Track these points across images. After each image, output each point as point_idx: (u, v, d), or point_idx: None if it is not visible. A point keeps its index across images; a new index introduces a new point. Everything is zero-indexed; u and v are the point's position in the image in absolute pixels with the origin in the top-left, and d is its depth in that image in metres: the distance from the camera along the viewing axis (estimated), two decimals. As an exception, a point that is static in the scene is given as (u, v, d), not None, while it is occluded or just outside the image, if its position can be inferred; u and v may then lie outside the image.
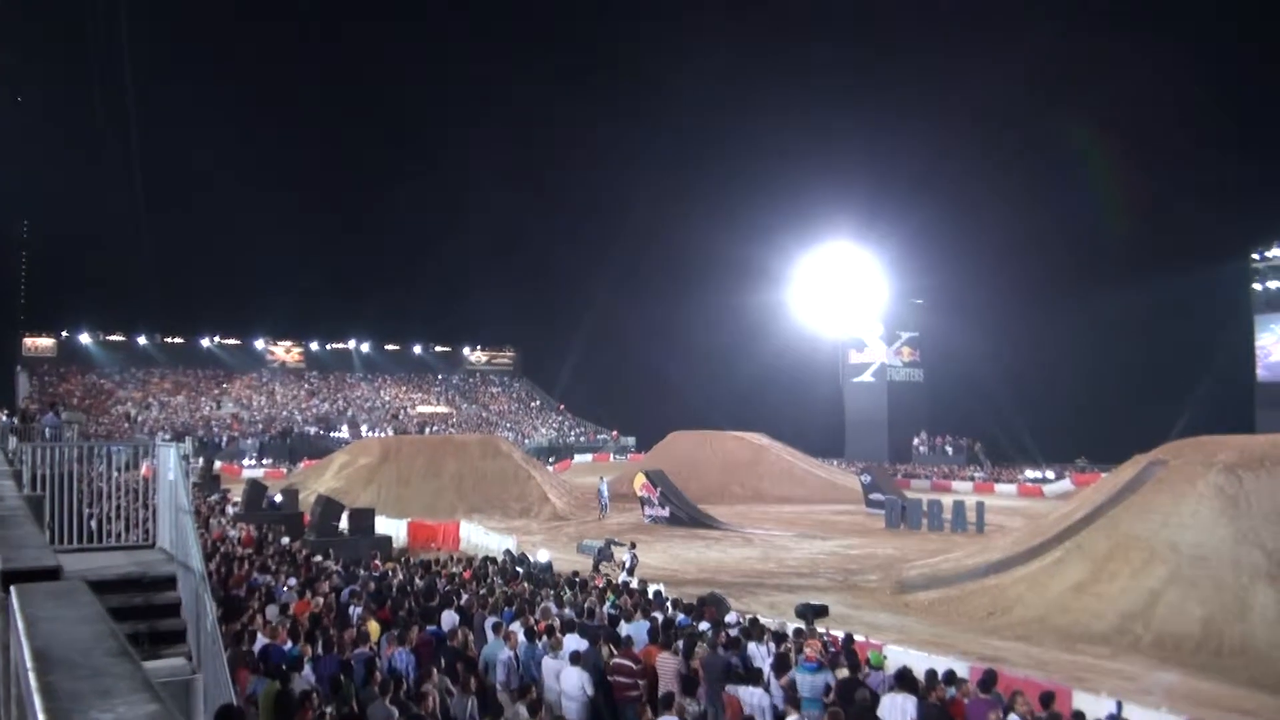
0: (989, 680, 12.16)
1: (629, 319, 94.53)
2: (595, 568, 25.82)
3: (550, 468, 63.22)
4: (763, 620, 16.69)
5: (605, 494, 44.00)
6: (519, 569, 22.73)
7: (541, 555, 26.81)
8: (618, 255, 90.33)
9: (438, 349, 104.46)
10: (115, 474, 12.19)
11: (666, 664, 12.65)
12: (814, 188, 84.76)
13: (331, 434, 77.62)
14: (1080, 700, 13.71)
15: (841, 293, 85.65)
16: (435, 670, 11.49)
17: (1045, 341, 74.58)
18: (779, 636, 15.13)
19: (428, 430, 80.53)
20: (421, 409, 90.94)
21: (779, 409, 79.34)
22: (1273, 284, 69.36)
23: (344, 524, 31.87)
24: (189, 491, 10.43)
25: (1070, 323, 74.35)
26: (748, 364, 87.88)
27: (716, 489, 52.87)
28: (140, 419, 74.82)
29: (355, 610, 15.67)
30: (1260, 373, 69.58)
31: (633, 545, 26.57)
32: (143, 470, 12.27)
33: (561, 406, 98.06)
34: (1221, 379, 67.00)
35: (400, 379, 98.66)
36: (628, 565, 24.65)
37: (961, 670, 13.86)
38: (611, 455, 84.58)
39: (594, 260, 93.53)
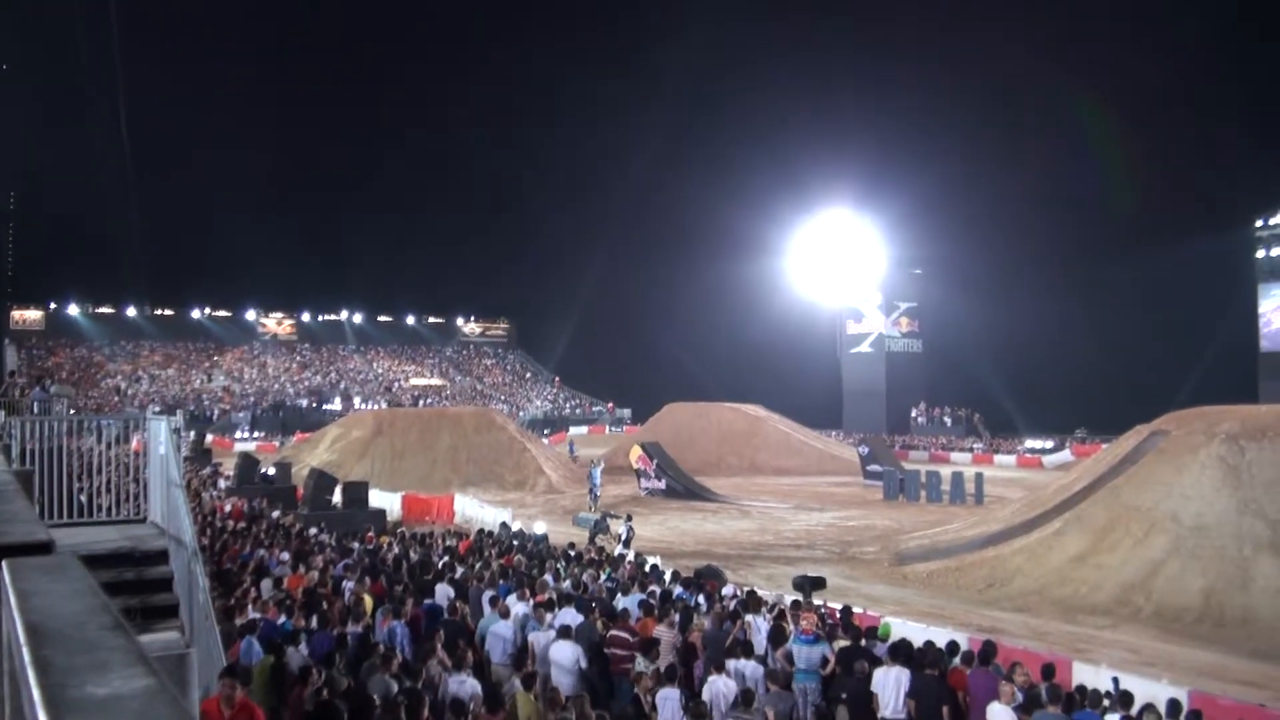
0: (989, 651, 12.22)
1: (625, 290, 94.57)
2: (591, 540, 25.87)
3: (545, 440, 63.26)
4: (760, 592, 16.75)
5: (598, 480, 38.47)
6: (514, 542, 22.79)
7: (537, 528, 26.89)
8: (613, 225, 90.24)
9: (431, 320, 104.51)
10: (105, 448, 12.19)
11: (663, 637, 12.70)
12: (812, 155, 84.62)
13: (324, 407, 77.72)
14: (1080, 671, 13.79)
15: (839, 262, 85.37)
16: (438, 646, 11.53)
17: (1045, 311, 74.56)
18: (774, 608, 15.18)
19: (421, 403, 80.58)
20: (415, 381, 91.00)
21: (776, 380, 79.30)
22: (1276, 251, 69.11)
23: (337, 497, 31.93)
24: (180, 465, 10.44)
25: (1071, 292, 74.40)
26: (744, 334, 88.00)
27: (713, 461, 53.00)
28: (130, 392, 74.85)
29: (349, 584, 15.72)
30: (1263, 342, 69.58)
31: (629, 518, 26.62)
32: (133, 444, 12.27)
33: (556, 379, 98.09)
34: (1224, 349, 67.00)
35: (393, 351, 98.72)
36: (624, 538, 24.69)
37: (961, 641, 13.92)
38: (607, 428, 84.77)
39: (589, 231, 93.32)
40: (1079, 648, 17.23)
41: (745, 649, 12.19)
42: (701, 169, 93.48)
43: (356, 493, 31.92)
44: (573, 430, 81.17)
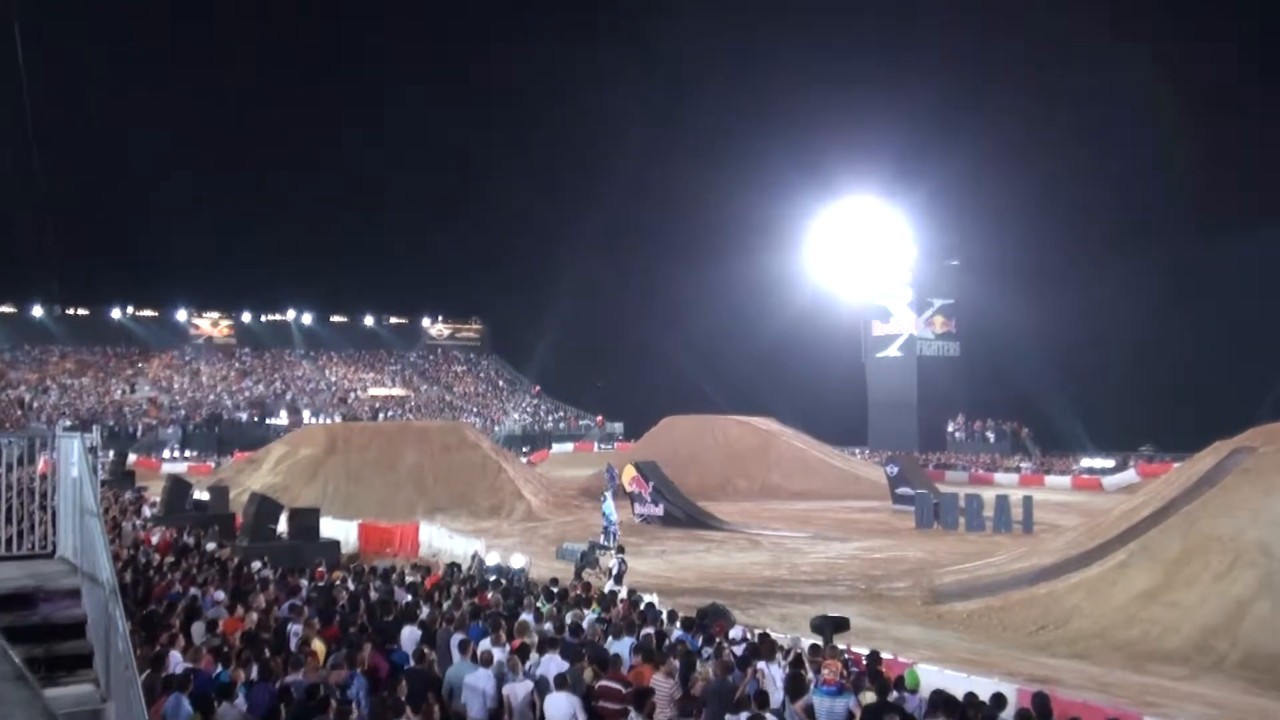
0: (1042, 705, 12.09)
1: (616, 286, 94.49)
2: (577, 575, 25.79)
3: (524, 459, 63.19)
4: (773, 635, 16.65)
5: (613, 516, 35.24)
6: (489, 577, 22.70)
7: (515, 561, 26.79)
8: (605, 211, 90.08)
9: (392, 320, 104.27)
10: (6, 470, 12.06)
11: (660, 688, 12.56)
12: (833, 134, 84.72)
13: (268, 421, 77.59)
14: (1153, 730, 13.66)
15: (864, 254, 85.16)
16: (399, 700, 11.42)
17: (1105, 308, 74.26)
18: (789, 655, 15.08)
19: (381, 416, 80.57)
20: (374, 391, 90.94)
21: (791, 389, 79.52)
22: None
23: (283, 526, 31.88)
24: (96, 490, 10.30)
25: (1135, 285, 73.90)
26: (755, 338, 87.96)
27: (718, 483, 53.11)
28: (36, 405, 74.62)
29: (296, 628, 15.58)
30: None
31: (621, 549, 26.56)
32: (39, 466, 12.13)
33: (537, 388, 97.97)
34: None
35: (349, 356, 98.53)
36: (615, 572, 24.62)
37: (1008, 694, 13.81)
38: (596, 444, 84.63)
39: (576, 218, 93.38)
40: (1150, 701, 17.11)
41: (759, 700, 12.06)
42: (705, 150, 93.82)
43: (305, 521, 31.85)
44: (556, 447, 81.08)
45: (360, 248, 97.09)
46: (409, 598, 18.76)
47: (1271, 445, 24.35)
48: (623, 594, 21.23)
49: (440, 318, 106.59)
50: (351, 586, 20.44)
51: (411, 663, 13.69)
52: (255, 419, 78.67)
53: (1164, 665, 19.91)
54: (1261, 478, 23.26)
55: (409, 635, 15.19)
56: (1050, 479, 61.75)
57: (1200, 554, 22.36)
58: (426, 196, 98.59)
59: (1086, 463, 66.39)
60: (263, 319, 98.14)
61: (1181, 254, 69.42)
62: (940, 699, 11.98)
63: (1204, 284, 70.75)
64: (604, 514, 35.31)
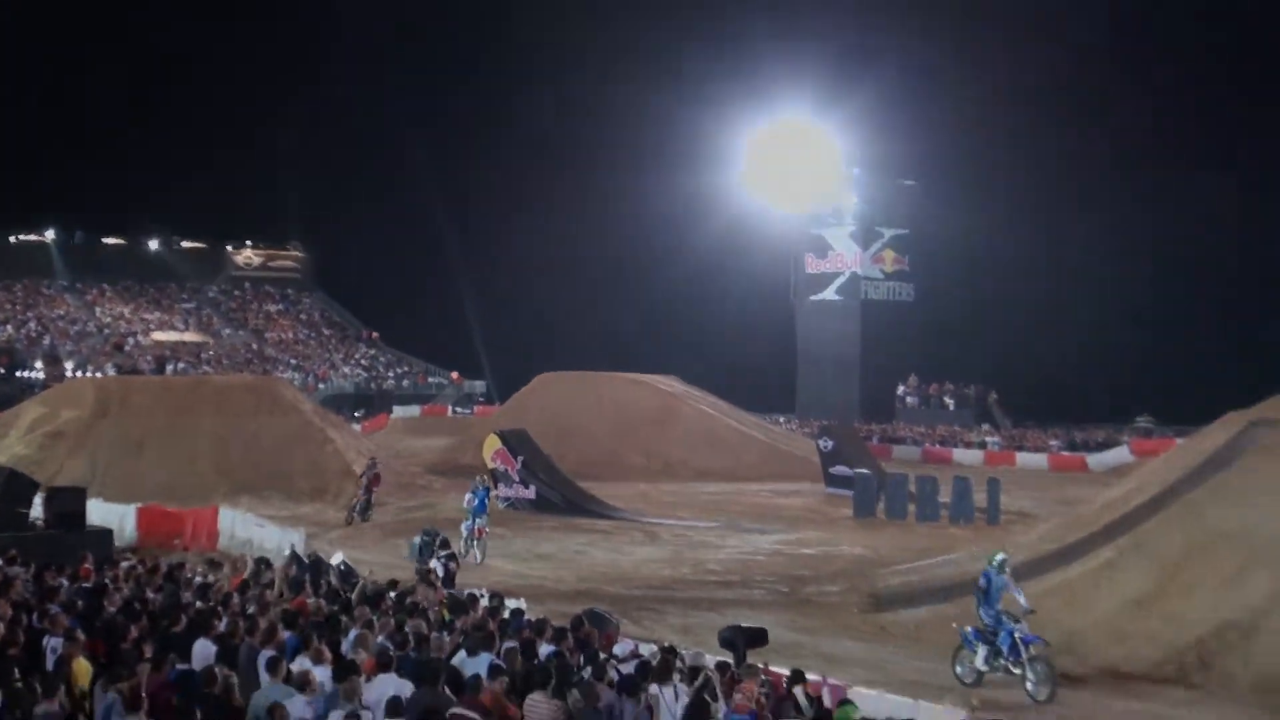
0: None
1: (477, 207, 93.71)
2: (422, 575, 25.66)
3: (357, 427, 62.90)
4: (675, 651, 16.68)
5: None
6: (307, 577, 22.54)
7: (342, 558, 26.65)
8: (466, 109, 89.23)
9: (186, 244, 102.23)
10: None
11: (538, 712, 12.51)
12: (758, 33, 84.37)
13: (18, 374, 76.27)
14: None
15: (793, 171, 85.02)
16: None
17: (1095, 243, 74.77)
18: (695, 674, 15.05)
19: (170, 369, 79.58)
20: (160, 335, 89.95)
21: (700, 341, 79.74)
22: None
23: (37, 511, 31.38)
24: None
25: (1135, 216, 74.33)
26: (655, 277, 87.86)
27: (606, 458, 53.44)
28: None
29: (53, 642, 15.36)
30: None
31: (445, 545, 26.61)
32: None
33: (374, 334, 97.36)
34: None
35: (126, 289, 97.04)
36: (440, 575, 24.58)
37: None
38: (450, 408, 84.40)
39: (433, 114, 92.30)
40: (1142, 732, 17.41)
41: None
42: (604, 37, 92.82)
43: (68, 504, 31.36)
44: (399, 410, 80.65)
45: (144, 142, 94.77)
46: (202, 603, 18.54)
47: (1297, 418, 24.76)
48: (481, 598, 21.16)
49: (249, 242, 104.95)
50: (126, 589, 20.19)
51: (205, 687, 13.55)
52: (1, 371, 77.34)
53: (1159, 688, 20.21)
54: (1283, 459, 23.64)
55: (202, 650, 14.99)
56: (1022, 457, 62.81)
57: (1206, 552, 22.69)
58: (231, 82, 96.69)
59: (1067, 437, 67.07)
60: (11, 239, 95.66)
61: (1199, 176, 69.85)
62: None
63: (1221, 214, 70.79)
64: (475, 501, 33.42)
